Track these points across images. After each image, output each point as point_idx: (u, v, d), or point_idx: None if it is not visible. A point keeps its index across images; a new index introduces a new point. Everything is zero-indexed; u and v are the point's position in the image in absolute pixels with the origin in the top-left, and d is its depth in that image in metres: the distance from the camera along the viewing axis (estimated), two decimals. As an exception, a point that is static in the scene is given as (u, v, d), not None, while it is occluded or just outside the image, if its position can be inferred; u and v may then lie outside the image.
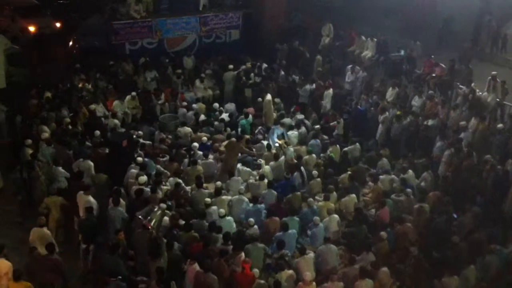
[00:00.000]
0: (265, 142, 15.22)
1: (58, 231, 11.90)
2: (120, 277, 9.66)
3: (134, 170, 12.89)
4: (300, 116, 16.68)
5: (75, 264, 11.21)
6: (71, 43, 19.54)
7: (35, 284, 9.81)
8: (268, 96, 16.90)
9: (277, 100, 17.63)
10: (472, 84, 16.61)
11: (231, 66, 19.01)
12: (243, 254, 10.52)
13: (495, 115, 15.96)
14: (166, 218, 11.16)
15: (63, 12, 20.57)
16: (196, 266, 10.02)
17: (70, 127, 14.76)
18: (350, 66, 19.12)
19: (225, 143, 14.66)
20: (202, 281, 9.78)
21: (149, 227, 10.47)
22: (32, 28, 18.74)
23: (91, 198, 11.69)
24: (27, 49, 18.07)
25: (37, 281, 9.93)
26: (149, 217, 10.62)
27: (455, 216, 12.13)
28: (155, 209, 10.85)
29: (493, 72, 16.69)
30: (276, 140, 15.13)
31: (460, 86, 17.18)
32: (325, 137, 15.80)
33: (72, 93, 16.84)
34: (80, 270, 11.27)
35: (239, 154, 14.25)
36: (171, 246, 10.43)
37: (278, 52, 21.44)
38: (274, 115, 16.69)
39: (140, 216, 10.83)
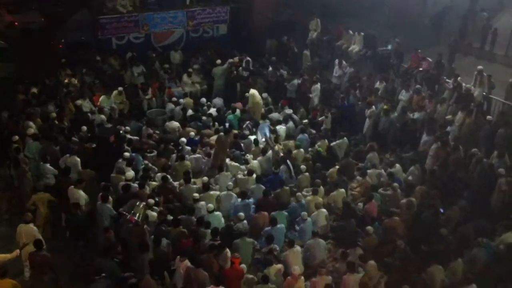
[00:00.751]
0: (252, 137, 15.18)
1: (46, 228, 11.81)
2: (104, 274, 9.58)
3: (121, 166, 12.83)
4: (288, 111, 16.66)
5: (63, 260, 11.14)
6: (57, 38, 19.35)
7: None
8: (252, 91, 16.86)
9: (264, 95, 17.58)
10: (459, 78, 16.69)
11: (219, 61, 18.90)
12: (228, 250, 10.53)
13: (482, 109, 16.04)
14: (154, 214, 11.15)
15: (50, 6, 20.36)
16: (187, 262, 10.00)
17: (56, 122, 14.64)
18: (337, 60, 19.14)
19: (214, 137, 14.64)
20: (193, 277, 9.77)
21: (133, 220, 10.45)
22: (18, 23, 18.53)
23: (82, 193, 11.66)
24: (13, 44, 17.89)
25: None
26: (132, 211, 10.58)
27: (442, 211, 12.19)
28: (137, 203, 10.81)
29: (479, 67, 16.74)
30: (269, 135, 15.08)
31: (447, 80, 17.25)
32: (313, 131, 15.85)
33: (58, 88, 16.69)
34: (70, 266, 11.20)
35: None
36: (159, 242, 10.39)
37: (267, 47, 21.37)
38: (262, 110, 16.65)
39: (124, 212, 10.80)
